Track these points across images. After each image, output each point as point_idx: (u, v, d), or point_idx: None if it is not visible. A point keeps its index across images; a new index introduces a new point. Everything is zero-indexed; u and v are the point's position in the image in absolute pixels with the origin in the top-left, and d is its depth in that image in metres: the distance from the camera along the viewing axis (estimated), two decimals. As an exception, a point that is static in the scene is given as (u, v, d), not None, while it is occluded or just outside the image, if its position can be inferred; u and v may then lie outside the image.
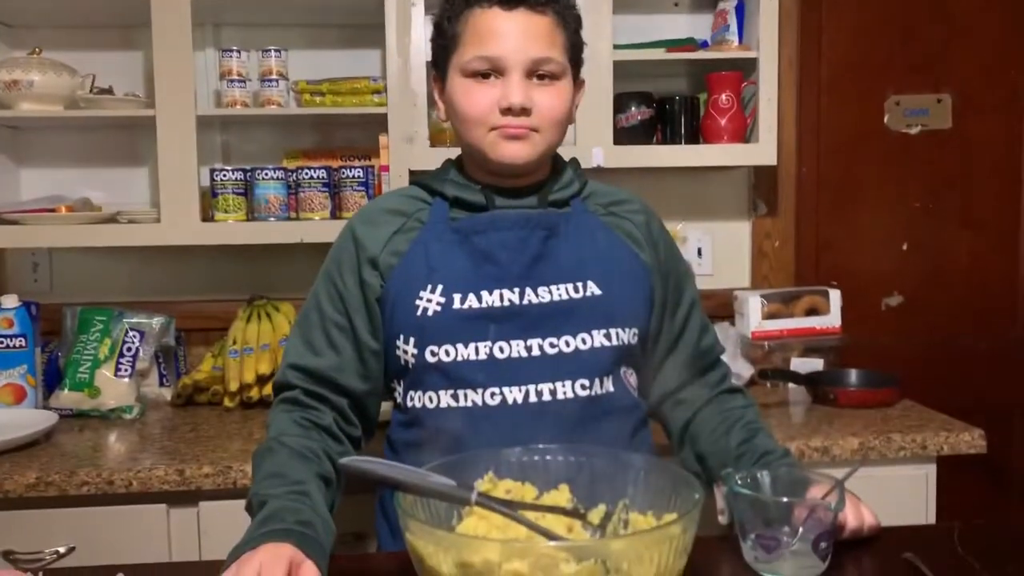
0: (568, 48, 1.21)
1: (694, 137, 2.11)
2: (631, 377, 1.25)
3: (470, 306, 1.17)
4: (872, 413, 1.82)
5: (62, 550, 1.51)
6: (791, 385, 1.94)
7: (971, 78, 2.35)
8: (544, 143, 1.20)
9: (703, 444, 1.27)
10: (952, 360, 2.37)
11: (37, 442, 1.69)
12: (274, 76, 2.01)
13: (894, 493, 1.63)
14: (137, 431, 1.80)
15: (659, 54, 2.08)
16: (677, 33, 2.20)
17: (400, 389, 1.24)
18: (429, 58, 1.25)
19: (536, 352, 1.16)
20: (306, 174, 1.98)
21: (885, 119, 2.36)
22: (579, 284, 1.19)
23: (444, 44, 1.22)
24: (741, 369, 2.00)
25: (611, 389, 1.20)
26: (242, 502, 1.08)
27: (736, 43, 2.09)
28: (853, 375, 1.98)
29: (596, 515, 0.96)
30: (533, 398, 1.15)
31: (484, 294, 1.17)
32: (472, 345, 1.16)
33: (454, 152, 2.05)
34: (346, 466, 0.94)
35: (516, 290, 1.18)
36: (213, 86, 2.13)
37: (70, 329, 2.01)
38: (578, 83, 1.26)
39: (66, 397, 1.91)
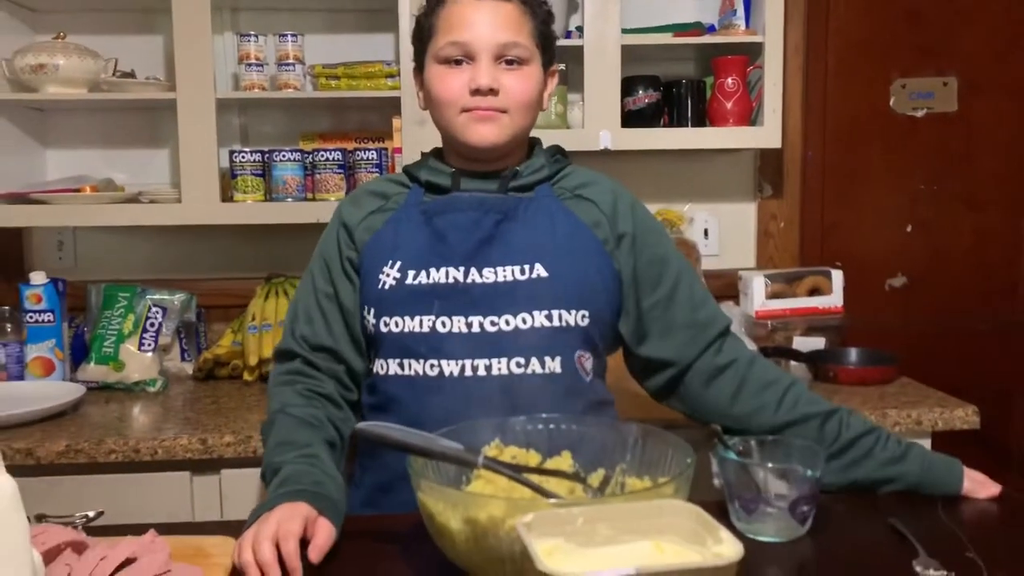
0: (536, 35, 1.27)
1: (700, 120, 2.15)
2: (586, 361, 1.26)
3: (420, 282, 1.24)
4: (870, 390, 1.87)
5: (91, 514, 1.56)
6: (792, 363, 1.98)
7: (977, 61, 2.38)
8: (513, 125, 1.26)
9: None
10: (953, 340, 2.40)
11: (64, 413, 1.76)
12: (291, 60, 2.06)
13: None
14: (160, 403, 1.87)
15: (666, 38, 2.12)
16: (684, 17, 2.24)
17: (371, 357, 1.32)
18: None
19: (476, 329, 1.21)
20: (322, 156, 2.04)
21: (891, 102, 2.39)
22: (526, 266, 1.23)
23: (421, 37, 1.30)
24: (744, 347, 2.05)
25: (556, 370, 1.22)
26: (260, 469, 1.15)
27: (743, 28, 2.12)
28: (853, 353, 2.03)
29: (596, 479, 1.02)
30: (468, 372, 1.20)
31: (432, 271, 1.24)
32: (418, 318, 1.23)
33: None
34: (362, 431, 1.00)
35: (461, 269, 1.24)
36: (231, 70, 2.19)
37: (95, 305, 2.07)
38: (550, 72, 1.32)
39: (92, 370, 1.98)
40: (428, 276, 1.24)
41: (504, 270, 1.23)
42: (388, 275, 1.26)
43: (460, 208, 1.27)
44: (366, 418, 1.29)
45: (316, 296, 1.31)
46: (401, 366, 1.24)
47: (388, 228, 1.30)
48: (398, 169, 2.01)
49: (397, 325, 1.24)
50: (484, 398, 1.18)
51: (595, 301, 1.26)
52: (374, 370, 1.29)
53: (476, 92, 1.23)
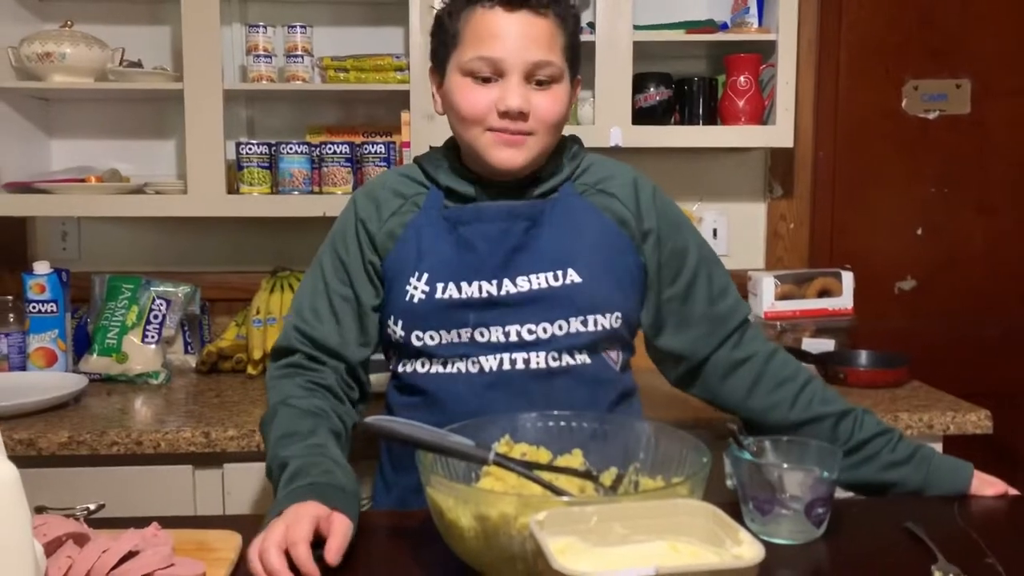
0: (567, 49, 1.22)
1: (712, 118, 2.13)
2: (613, 354, 1.27)
3: (451, 296, 1.22)
4: (881, 393, 1.85)
5: (92, 507, 1.55)
6: (802, 364, 1.96)
7: (991, 63, 2.36)
8: (538, 146, 1.22)
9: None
10: (964, 344, 2.39)
11: (66, 404, 1.75)
12: (299, 52, 2.04)
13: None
14: (163, 396, 1.85)
15: (679, 35, 2.10)
16: (697, 14, 2.22)
17: (394, 358, 1.30)
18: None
19: (514, 337, 1.21)
20: (329, 149, 2.02)
21: (903, 104, 2.37)
22: (559, 272, 1.22)
23: (444, 40, 1.23)
24: (753, 348, 2.03)
25: (587, 361, 1.23)
26: (264, 464, 1.13)
27: (756, 25, 2.10)
28: (863, 356, 2.01)
29: (608, 477, 1.00)
30: (507, 366, 1.21)
31: (464, 284, 1.22)
32: (454, 331, 1.22)
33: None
34: (370, 425, 0.99)
35: (494, 281, 1.22)
36: (239, 61, 2.17)
37: (99, 296, 2.06)
38: (575, 82, 1.28)
39: (95, 362, 1.96)
40: (459, 291, 1.22)
41: (537, 278, 1.22)
42: (416, 288, 1.23)
43: (488, 219, 1.24)
44: (400, 416, 1.27)
45: (328, 295, 1.27)
46: (443, 364, 1.23)
47: (410, 234, 1.25)
48: (405, 163, 2.00)
49: (432, 339, 1.23)
50: (523, 388, 1.20)
51: (627, 301, 1.26)
52: (404, 370, 1.27)
53: (505, 115, 1.18)
